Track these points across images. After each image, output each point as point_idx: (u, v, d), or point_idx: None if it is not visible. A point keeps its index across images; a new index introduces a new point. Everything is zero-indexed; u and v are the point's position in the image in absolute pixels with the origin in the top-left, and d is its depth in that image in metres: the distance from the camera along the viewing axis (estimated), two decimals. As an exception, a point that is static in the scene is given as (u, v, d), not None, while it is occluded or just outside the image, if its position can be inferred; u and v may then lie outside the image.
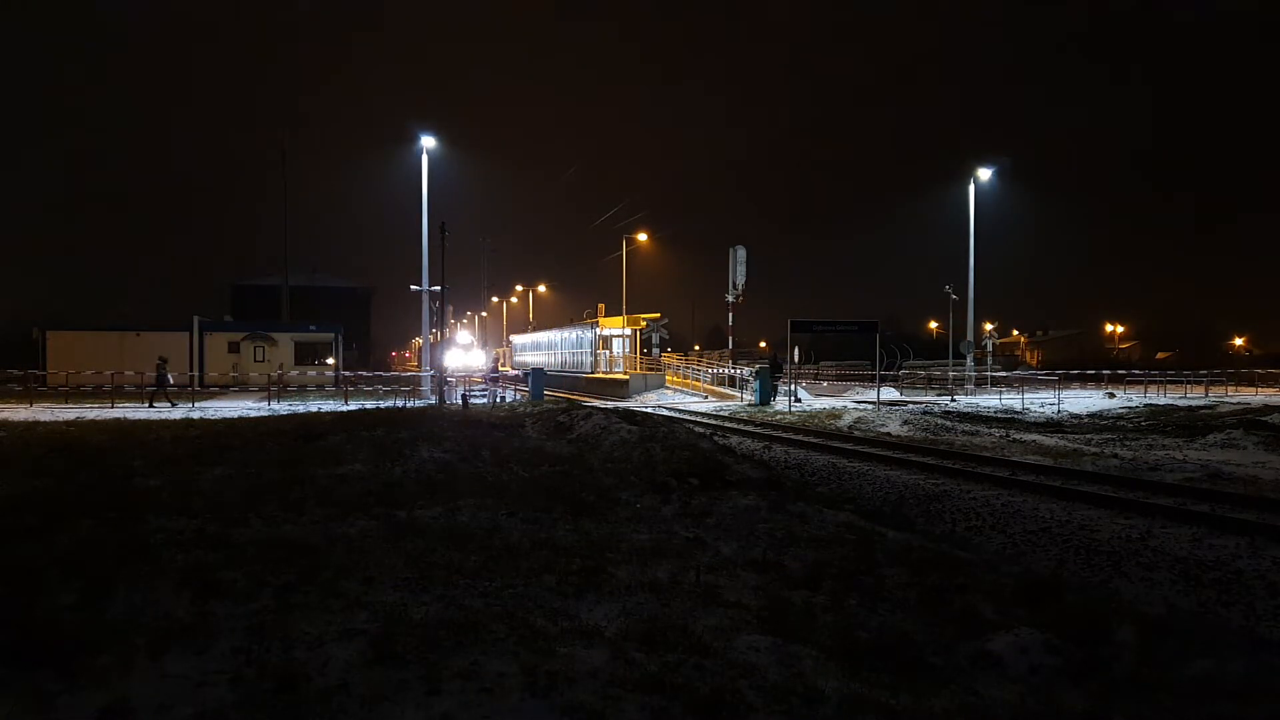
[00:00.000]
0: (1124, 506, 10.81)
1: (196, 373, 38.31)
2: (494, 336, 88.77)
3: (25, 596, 5.04)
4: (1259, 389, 40.34)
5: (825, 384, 47.44)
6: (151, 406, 26.37)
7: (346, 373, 39.31)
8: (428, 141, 33.79)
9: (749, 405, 30.76)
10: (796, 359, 36.64)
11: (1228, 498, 11.25)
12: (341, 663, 4.20)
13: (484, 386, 30.61)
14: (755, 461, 13.67)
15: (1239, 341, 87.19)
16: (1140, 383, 40.80)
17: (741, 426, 22.47)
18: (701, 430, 18.65)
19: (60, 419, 21.03)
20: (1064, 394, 33.96)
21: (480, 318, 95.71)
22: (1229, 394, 36.95)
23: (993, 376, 43.59)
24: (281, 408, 26.27)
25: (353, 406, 24.34)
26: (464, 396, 28.46)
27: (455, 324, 70.09)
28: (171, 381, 28.96)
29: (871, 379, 38.92)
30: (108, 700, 3.73)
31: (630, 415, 17.20)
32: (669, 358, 45.62)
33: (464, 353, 40.83)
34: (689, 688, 4.01)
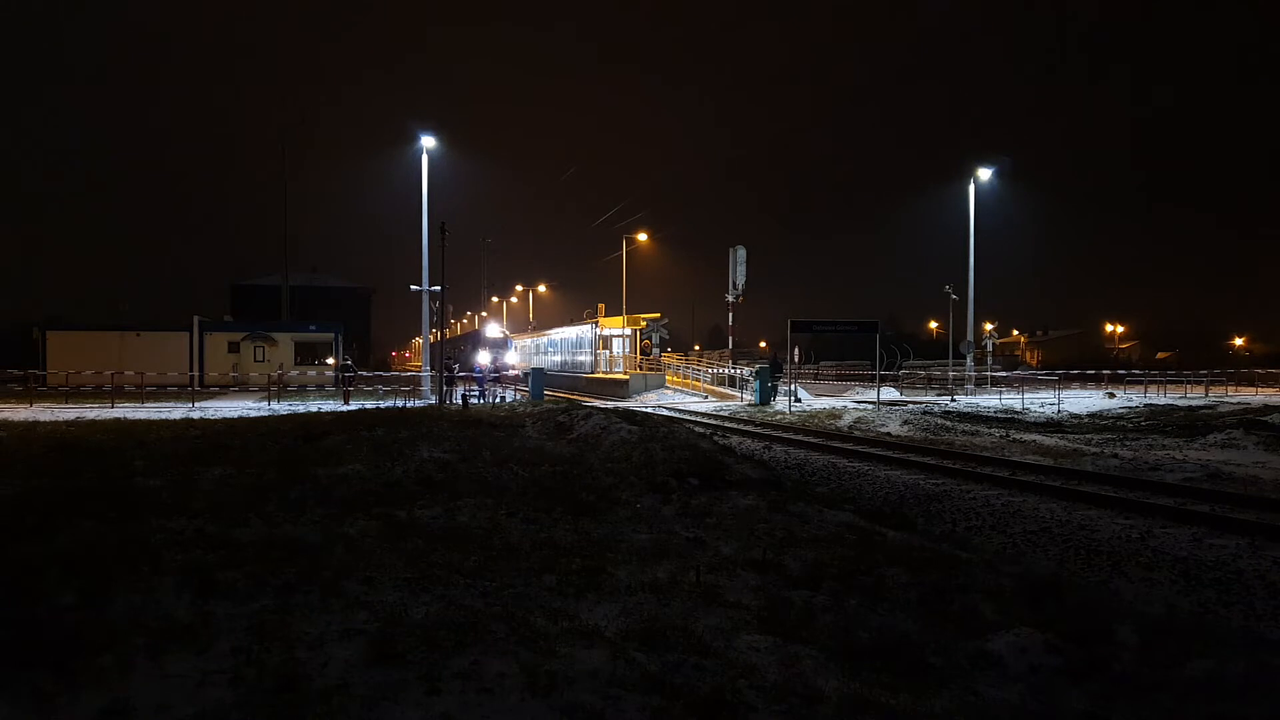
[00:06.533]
0: (1124, 506, 10.81)
1: (197, 373, 38.31)
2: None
3: (25, 596, 5.04)
4: (1259, 389, 40.35)
5: (825, 384, 47.45)
6: (347, 404, 27.26)
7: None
8: (428, 141, 33.72)
9: (749, 405, 30.75)
10: (796, 359, 36.63)
11: (1228, 498, 11.25)
12: (341, 663, 4.20)
13: (481, 387, 30.59)
14: (755, 461, 13.67)
15: (1239, 341, 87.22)
16: (1140, 383, 40.78)
17: (741, 426, 22.47)
18: (701, 430, 18.64)
19: (60, 419, 21.03)
20: (1064, 394, 33.95)
21: (480, 318, 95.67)
22: (1229, 394, 36.94)
23: (993, 376, 43.59)
24: (281, 408, 26.27)
25: (353, 406, 24.35)
26: (464, 396, 28.48)
27: (456, 321, 69.89)
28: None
29: (871, 379, 38.91)
30: (108, 700, 3.72)
31: (630, 415, 17.19)
32: (669, 358, 45.56)
33: (499, 350, 38.92)
34: (689, 688, 4.01)
